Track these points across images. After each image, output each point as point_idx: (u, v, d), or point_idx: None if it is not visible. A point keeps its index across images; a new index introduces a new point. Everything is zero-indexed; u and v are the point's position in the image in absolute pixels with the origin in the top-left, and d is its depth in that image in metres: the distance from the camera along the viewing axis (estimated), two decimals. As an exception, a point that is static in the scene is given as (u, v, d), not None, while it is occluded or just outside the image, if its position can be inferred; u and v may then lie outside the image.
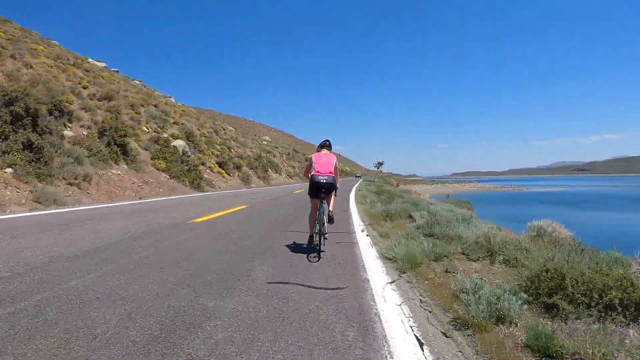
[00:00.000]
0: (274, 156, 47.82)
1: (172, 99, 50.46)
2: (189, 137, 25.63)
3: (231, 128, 51.62)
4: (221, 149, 30.96)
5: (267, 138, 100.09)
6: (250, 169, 31.16)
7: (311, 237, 5.32)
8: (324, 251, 5.09)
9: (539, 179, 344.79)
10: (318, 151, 5.44)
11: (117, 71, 41.93)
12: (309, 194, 5.22)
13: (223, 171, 24.97)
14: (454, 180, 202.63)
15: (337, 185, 5.36)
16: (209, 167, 23.92)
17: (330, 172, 5.13)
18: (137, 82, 45.02)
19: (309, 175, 5.22)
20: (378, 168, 63.44)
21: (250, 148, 41.47)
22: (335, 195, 5.46)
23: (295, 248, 5.46)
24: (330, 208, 5.37)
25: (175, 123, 28.74)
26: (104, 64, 40.53)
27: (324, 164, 5.17)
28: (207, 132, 33.32)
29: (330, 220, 5.34)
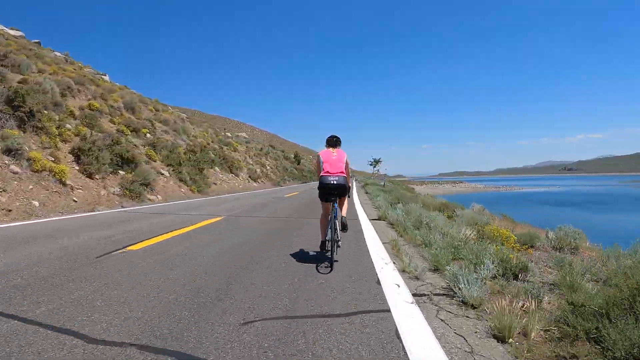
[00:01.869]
0: (235, 150, 34.23)
1: (107, 77, 38.09)
2: (13, 100, 12.09)
3: (182, 115, 37.92)
4: (119, 131, 17.44)
5: (243, 134, 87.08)
6: (168, 165, 17.64)
7: (323, 243, 4.83)
8: (337, 261, 4.58)
9: (528, 179, 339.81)
10: (326, 147, 4.90)
11: (39, 42, 33.51)
12: (319, 197, 4.79)
13: (65, 168, 11.28)
14: (444, 181, 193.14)
15: (350, 185, 4.87)
16: (31, 160, 10.40)
17: (341, 172, 4.68)
18: (58, 54, 33.83)
19: (319, 176, 4.79)
20: (375, 167, 50.27)
21: (195, 137, 28.02)
22: (349, 197, 5.04)
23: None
24: (343, 213, 4.95)
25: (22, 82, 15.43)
26: (20, 32, 32.91)
27: (334, 163, 4.70)
28: (102, 104, 19.80)
29: (344, 227, 4.87)
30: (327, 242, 4.67)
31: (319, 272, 4.16)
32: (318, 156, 4.87)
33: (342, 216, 4.78)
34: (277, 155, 56.01)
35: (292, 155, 65.30)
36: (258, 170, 33.22)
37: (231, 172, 26.59)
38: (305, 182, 47.53)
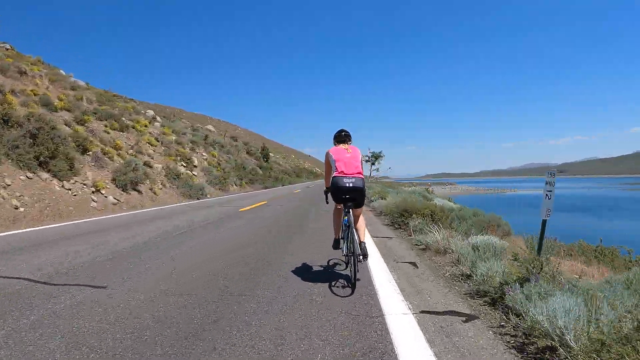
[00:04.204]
0: (123, 129, 18.42)
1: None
2: None
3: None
4: None
5: (210, 127, 71.51)
6: None
7: (336, 241, 4.27)
8: (359, 279, 3.76)
9: (516, 181, 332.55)
10: (336, 144, 4.17)
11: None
12: (333, 199, 4.07)
13: None
14: (433, 182, 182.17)
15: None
16: None
17: (359, 173, 3.93)
18: None
19: (330, 178, 4.06)
20: (373, 165, 35.00)
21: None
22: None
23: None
24: (362, 237, 3.93)
25: None
26: None
27: (349, 162, 3.91)
28: None
29: (362, 249, 3.74)
30: (344, 255, 3.95)
31: (334, 293, 3.43)
32: (327, 154, 4.11)
33: (361, 240, 3.86)
34: (234, 149, 40.17)
35: (259, 150, 49.48)
36: (159, 167, 17.31)
37: (46, 170, 10.85)
38: (269, 188, 32.01)
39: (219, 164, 26.56)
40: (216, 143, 33.57)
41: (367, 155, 35.25)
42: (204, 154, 26.57)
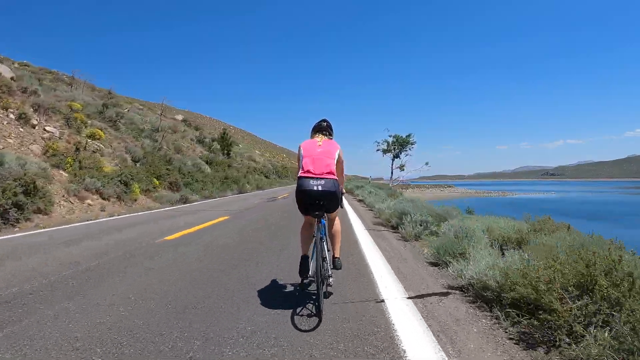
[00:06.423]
0: None
1: None
2: None
3: None
4: None
5: (179, 117, 59.21)
6: None
7: (304, 258, 3.18)
8: (331, 292, 3.22)
9: (513, 183, 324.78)
10: (312, 137, 3.27)
11: None
12: (298, 208, 3.13)
13: None
14: (431, 185, 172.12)
15: (343, 192, 3.25)
16: None
17: (330, 173, 3.00)
18: None
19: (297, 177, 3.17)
20: (397, 158, 21.21)
21: None
22: (342, 207, 3.20)
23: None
24: (336, 253, 3.30)
25: None
26: None
27: (319, 159, 3.02)
28: None
29: (336, 266, 3.24)
30: (308, 277, 3.14)
31: (296, 326, 2.59)
32: (298, 149, 3.21)
33: (335, 256, 3.27)
34: (176, 136, 26.84)
35: (214, 139, 36.10)
36: None
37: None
38: (200, 201, 18.74)
39: (77, 149, 13.24)
40: (120, 116, 20.24)
41: (385, 142, 21.57)
42: (49, 128, 13.27)
